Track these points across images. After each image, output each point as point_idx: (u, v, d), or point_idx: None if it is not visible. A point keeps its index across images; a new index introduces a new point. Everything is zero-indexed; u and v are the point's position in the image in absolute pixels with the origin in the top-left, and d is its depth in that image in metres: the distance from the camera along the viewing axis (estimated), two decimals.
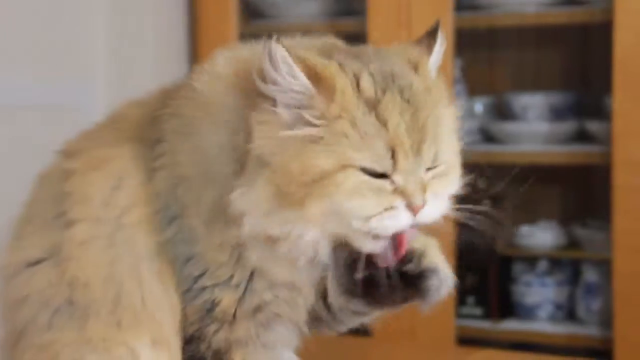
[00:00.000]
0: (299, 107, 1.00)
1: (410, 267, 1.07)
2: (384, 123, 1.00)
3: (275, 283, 1.08)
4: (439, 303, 1.10)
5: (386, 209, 1.00)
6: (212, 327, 1.09)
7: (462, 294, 2.63)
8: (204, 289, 1.08)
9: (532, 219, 2.70)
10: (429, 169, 1.03)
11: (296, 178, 0.99)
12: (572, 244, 2.65)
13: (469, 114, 2.73)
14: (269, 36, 0.99)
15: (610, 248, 2.36)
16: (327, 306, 1.12)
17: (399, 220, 1.01)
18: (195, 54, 2.72)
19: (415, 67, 1.06)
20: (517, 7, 2.57)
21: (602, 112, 2.49)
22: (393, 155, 1.00)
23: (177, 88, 1.13)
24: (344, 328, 1.17)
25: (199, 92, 1.09)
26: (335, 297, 1.10)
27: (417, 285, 1.07)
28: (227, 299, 1.07)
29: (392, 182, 1.01)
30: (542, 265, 2.67)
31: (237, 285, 1.07)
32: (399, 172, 1.00)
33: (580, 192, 2.80)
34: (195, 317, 1.09)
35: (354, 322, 1.16)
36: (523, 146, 2.61)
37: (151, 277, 1.08)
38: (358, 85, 1.01)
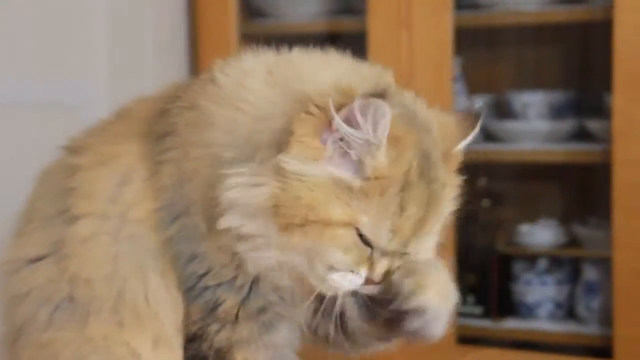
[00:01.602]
0: (355, 150, 1.00)
1: (393, 307, 1.03)
2: (402, 208, 1.01)
3: (279, 286, 1.08)
4: (436, 339, 1.06)
5: (352, 270, 1.02)
6: (215, 327, 1.09)
7: (462, 292, 2.61)
8: (207, 288, 1.07)
9: (532, 218, 2.70)
10: (404, 254, 1.04)
11: (302, 209, 0.99)
12: (572, 242, 2.65)
13: (469, 112, 2.72)
14: (381, 94, 0.98)
15: (611, 246, 2.36)
16: (343, 329, 1.10)
17: (352, 284, 1.03)
18: (195, 52, 2.71)
19: (445, 157, 1.07)
20: (518, 6, 2.57)
21: (602, 111, 2.49)
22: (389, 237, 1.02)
23: (191, 82, 1.13)
24: (352, 352, 1.15)
25: (218, 84, 1.08)
26: (353, 317, 1.09)
27: (401, 327, 1.05)
28: (230, 300, 1.07)
29: (371, 252, 1.02)
30: (542, 263, 2.67)
31: (241, 287, 1.07)
32: (381, 250, 1.02)
33: (580, 191, 2.80)
34: (197, 316, 1.09)
35: (377, 346, 1.14)
36: (523, 145, 2.61)
37: (155, 275, 1.07)
38: (412, 162, 1.02)
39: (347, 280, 1.02)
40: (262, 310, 1.09)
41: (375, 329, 1.10)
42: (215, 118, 1.06)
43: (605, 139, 2.40)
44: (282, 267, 1.04)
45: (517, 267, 2.70)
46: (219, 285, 1.07)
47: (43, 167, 1.17)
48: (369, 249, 1.02)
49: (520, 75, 2.86)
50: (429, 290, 1.02)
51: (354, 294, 1.06)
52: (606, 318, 2.45)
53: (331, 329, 1.09)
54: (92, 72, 2.46)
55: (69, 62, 2.39)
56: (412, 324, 1.03)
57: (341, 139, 1.00)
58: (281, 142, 1.01)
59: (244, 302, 1.07)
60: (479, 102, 2.55)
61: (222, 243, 1.05)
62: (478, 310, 2.66)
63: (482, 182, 2.72)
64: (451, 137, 1.09)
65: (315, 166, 1.00)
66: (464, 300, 2.63)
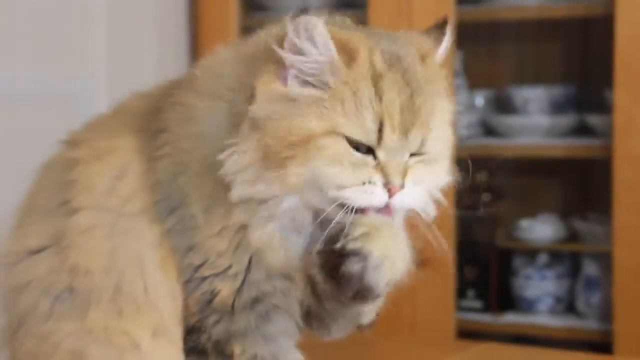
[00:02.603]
0: (313, 76, 1.01)
1: (336, 247, 1.01)
2: (379, 96, 1.01)
3: (271, 273, 1.08)
4: (372, 293, 1.02)
5: (363, 183, 1.01)
6: (212, 318, 1.10)
7: (462, 287, 2.63)
8: (204, 279, 1.08)
9: (532, 212, 2.70)
10: (414, 154, 1.04)
11: (283, 138, 1.00)
12: (572, 237, 2.65)
13: (470, 107, 2.73)
14: (302, 11, 1.00)
15: (610, 241, 2.36)
16: (317, 296, 1.12)
17: (374, 196, 1.01)
18: (196, 46, 2.71)
19: (423, 57, 1.07)
20: (518, 1, 2.57)
21: (602, 106, 2.49)
22: (380, 129, 1.01)
23: (179, 79, 1.15)
24: (338, 328, 1.15)
25: (199, 79, 1.10)
26: (320, 282, 1.08)
27: (338, 268, 1.02)
28: (225, 290, 1.08)
29: (375, 157, 1.01)
30: (542, 258, 2.67)
31: (235, 275, 1.08)
32: (382, 148, 1.01)
33: (580, 186, 2.80)
34: (196, 308, 1.10)
35: (345, 317, 1.14)
36: (523, 139, 2.61)
37: (153, 266, 1.08)
38: (371, 59, 1.02)
39: (362, 193, 1.01)
40: (256, 300, 1.09)
41: (332, 288, 1.07)
42: (200, 111, 1.08)
43: (606, 134, 2.40)
44: (300, 210, 1.04)
45: (517, 262, 2.70)
46: (215, 275, 1.08)
47: (43, 161, 1.17)
48: (369, 156, 1.01)
49: (521, 70, 2.86)
50: (375, 240, 1.01)
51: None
52: (606, 313, 2.46)
53: (312, 303, 1.10)
54: (92, 65, 2.46)
55: (68, 55, 2.39)
56: (352, 266, 1.00)
57: (300, 71, 1.01)
58: (251, 95, 1.03)
59: (238, 291, 1.08)
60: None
61: (225, 223, 1.05)
62: (478, 304, 2.66)
63: (483, 176, 2.72)
64: (425, 47, 1.08)
65: (280, 99, 1.02)
66: (463, 295, 2.65)
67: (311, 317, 1.15)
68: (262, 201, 1.04)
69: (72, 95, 2.36)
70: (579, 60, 2.80)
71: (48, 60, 2.32)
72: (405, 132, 1.02)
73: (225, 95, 1.07)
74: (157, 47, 2.64)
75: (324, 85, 1.01)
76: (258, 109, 1.02)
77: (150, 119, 1.12)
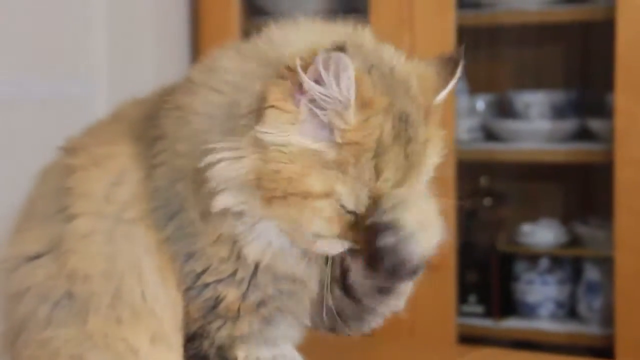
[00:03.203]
0: (324, 110, 0.99)
1: (371, 220, 1.01)
2: (378, 174, 1.01)
3: (278, 276, 1.08)
4: (411, 265, 1.01)
5: (338, 236, 1.03)
6: (216, 324, 1.09)
7: (463, 292, 2.63)
8: (207, 285, 1.07)
9: (533, 217, 2.70)
10: None
11: (282, 182, 1.00)
12: (574, 242, 2.65)
13: (471, 111, 2.73)
14: (339, 47, 0.97)
15: (612, 246, 2.36)
16: (350, 294, 1.11)
17: (337, 249, 1.04)
18: (196, 50, 2.72)
19: (426, 115, 1.06)
20: (520, 5, 2.57)
21: (604, 110, 2.49)
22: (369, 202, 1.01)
23: (175, 84, 1.14)
24: (372, 319, 1.14)
25: (194, 78, 1.09)
26: (356, 275, 1.09)
27: (376, 245, 1.01)
28: (231, 295, 1.07)
29: (356, 218, 1.02)
30: (544, 263, 2.67)
31: (241, 280, 1.07)
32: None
33: (582, 190, 2.80)
34: (198, 314, 1.09)
35: (381, 304, 1.13)
36: (525, 144, 2.61)
37: (151, 273, 1.08)
38: (382, 128, 1.01)
39: (334, 246, 1.04)
40: (261, 304, 1.08)
41: (370, 278, 1.08)
42: (194, 107, 1.06)
43: (607, 138, 2.40)
44: (272, 232, 1.04)
45: (519, 267, 2.70)
46: (219, 281, 1.07)
47: (43, 165, 1.17)
48: (352, 216, 1.02)
49: (522, 75, 2.86)
50: (408, 211, 1.00)
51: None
52: (607, 318, 2.45)
53: (337, 294, 1.10)
54: (93, 69, 2.46)
55: (68, 59, 2.39)
56: (386, 239, 0.99)
57: (312, 101, 0.99)
58: (258, 109, 1.01)
59: (244, 296, 1.07)
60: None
61: (220, 232, 1.05)
62: (479, 309, 2.66)
63: (484, 181, 2.72)
64: (431, 90, 1.08)
65: (291, 134, 1.00)
66: (465, 300, 2.64)
67: (346, 318, 1.14)
68: (242, 214, 1.03)
69: (72, 98, 2.36)
70: (579, 65, 2.80)
71: (48, 64, 2.32)
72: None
73: (222, 89, 1.05)
74: (158, 52, 2.64)
75: (331, 136, 1.00)
76: (267, 133, 1.00)
77: (147, 125, 1.11)
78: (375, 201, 1.01)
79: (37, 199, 1.15)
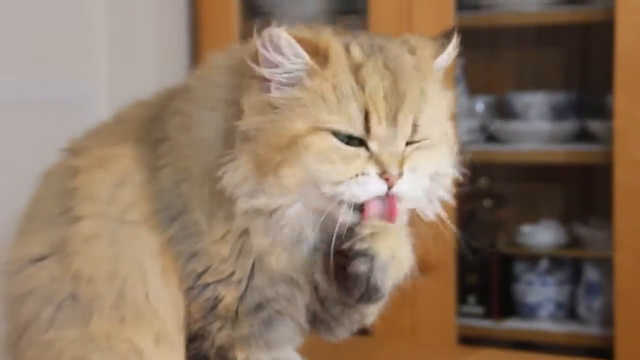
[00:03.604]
0: (292, 84, 1.01)
1: (344, 247, 1.02)
2: (361, 86, 1.00)
3: (275, 278, 1.08)
4: (379, 294, 1.02)
5: (356, 175, 1.00)
6: (216, 325, 1.10)
7: (463, 293, 2.63)
8: (207, 285, 1.08)
9: (533, 218, 2.70)
10: (410, 143, 1.03)
11: (271, 144, 1.00)
12: (574, 243, 2.65)
13: (470, 113, 2.73)
14: (266, 25, 1.00)
15: (612, 247, 2.36)
16: (321, 301, 1.12)
17: (369, 187, 1.00)
18: (196, 52, 2.72)
19: (412, 50, 1.06)
20: (519, 6, 2.57)
21: (603, 112, 2.49)
22: (366, 119, 1.00)
23: (175, 88, 1.15)
24: (343, 330, 1.16)
25: (192, 87, 1.11)
26: (324, 286, 1.09)
27: (346, 269, 1.02)
28: (229, 296, 1.08)
29: (367, 149, 1.01)
30: (544, 264, 2.67)
31: (239, 282, 1.08)
32: (373, 138, 1.00)
33: (581, 191, 2.80)
34: (199, 314, 1.10)
35: (350, 319, 1.14)
36: (524, 145, 2.61)
37: (154, 274, 1.08)
38: (348, 52, 1.02)
39: (356, 186, 1.00)
40: (260, 306, 1.09)
41: (338, 289, 1.08)
42: (198, 118, 1.08)
43: (607, 139, 2.40)
44: (306, 215, 1.03)
45: (519, 268, 2.70)
46: (218, 281, 1.08)
47: (45, 167, 1.18)
48: (361, 149, 1.01)
49: (521, 76, 2.86)
50: (382, 241, 1.01)
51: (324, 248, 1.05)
52: (607, 319, 2.45)
53: (316, 307, 1.11)
54: (93, 71, 2.46)
55: (69, 61, 2.39)
56: (360, 267, 1.01)
57: (280, 83, 1.01)
58: (240, 112, 1.04)
59: (242, 297, 1.08)
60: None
61: (228, 228, 1.05)
62: (479, 310, 2.66)
63: (484, 182, 2.72)
64: (426, 48, 1.08)
65: (266, 108, 1.02)
66: (465, 300, 2.64)
67: (316, 321, 1.15)
68: (266, 210, 1.03)
69: (73, 101, 2.36)
70: (579, 66, 2.80)
71: (49, 67, 2.32)
72: (392, 118, 1.01)
73: (219, 108, 1.08)
74: (158, 54, 2.64)
75: (304, 88, 1.01)
76: (246, 122, 1.02)
77: (150, 127, 1.13)
78: (368, 115, 1.00)
79: (41, 200, 1.15)
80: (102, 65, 2.48)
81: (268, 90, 1.02)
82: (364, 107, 1.00)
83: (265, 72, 1.01)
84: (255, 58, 1.02)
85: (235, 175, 1.02)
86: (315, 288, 1.11)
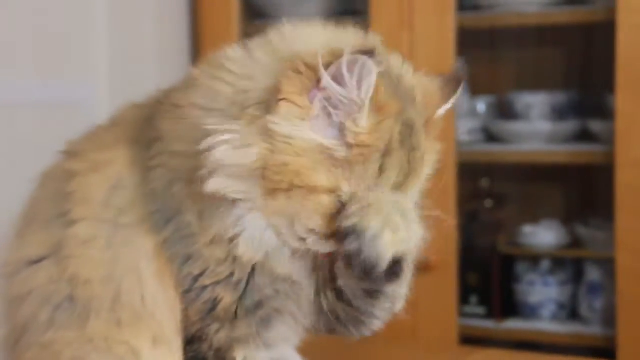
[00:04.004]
0: (337, 109, 1.00)
1: (336, 226, 1.01)
2: (382, 172, 1.02)
3: (275, 277, 1.08)
4: (376, 269, 0.99)
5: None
6: (214, 327, 1.09)
7: (464, 293, 2.63)
8: (204, 288, 1.08)
9: (534, 218, 2.70)
10: None
11: (289, 175, 0.99)
12: (575, 243, 2.65)
13: (471, 113, 2.73)
14: (367, 52, 0.97)
15: (613, 247, 2.36)
16: (341, 297, 1.11)
17: (326, 249, 1.04)
18: (197, 52, 2.72)
19: (427, 125, 1.07)
20: (520, 7, 2.57)
21: (604, 112, 2.49)
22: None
23: (174, 86, 1.14)
24: (370, 321, 1.14)
25: (196, 77, 1.08)
26: (343, 277, 1.08)
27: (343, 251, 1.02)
28: (228, 297, 1.08)
29: None
30: (545, 264, 2.67)
31: (239, 282, 1.07)
32: None
33: (583, 192, 2.80)
34: (197, 317, 1.09)
35: (374, 307, 1.12)
36: (525, 146, 2.61)
37: (150, 277, 1.08)
38: (392, 132, 1.02)
39: (323, 245, 1.03)
40: (259, 305, 1.09)
41: (355, 281, 1.07)
42: (192, 100, 1.05)
43: (608, 140, 2.40)
44: (264, 232, 1.04)
45: (520, 268, 2.70)
46: (216, 283, 1.07)
47: (43, 170, 1.18)
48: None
49: (522, 76, 2.86)
50: (373, 214, 0.99)
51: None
52: (609, 319, 2.45)
53: (330, 297, 1.10)
54: (94, 72, 2.46)
55: (69, 62, 2.39)
56: (350, 245, 0.99)
57: (328, 99, 0.99)
58: (269, 100, 1.00)
59: (242, 298, 1.08)
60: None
61: (213, 229, 1.05)
62: (481, 310, 2.66)
63: (485, 182, 2.72)
64: (434, 103, 1.10)
65: (302, 128, 1.00)
66: (466, 301, 2.65)
67: (342, 321, 1.14)
68: (236, 203, 1.02)
69: (73, 102, 2.36)
70: (580, 66, 2.80)
71: (49, 68, 2.32)
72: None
73: (226, 78, 1.04)
74: (159, 55, 2.65)
75: (342, 135, 1.00)
76: (279, 124, 0.99)
77: (145, 128, 1.12)
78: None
79: (38, 203, 1.15)
80: (103, 66, 2.48)
81: (312, 99, 1.00)
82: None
83: (329, 82, 0.98)
84: (327, 65, 0.98)
85: (233, 155, 1.00)
86: (335, 289, 1.10)
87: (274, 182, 1.00)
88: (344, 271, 1.07)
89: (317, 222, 1.02)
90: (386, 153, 1.02)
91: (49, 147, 1.18)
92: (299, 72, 1.00)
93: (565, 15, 2.54)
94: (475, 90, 2.75)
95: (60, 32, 2.35)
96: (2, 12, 2.20)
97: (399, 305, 1.13)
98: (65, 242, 1.10)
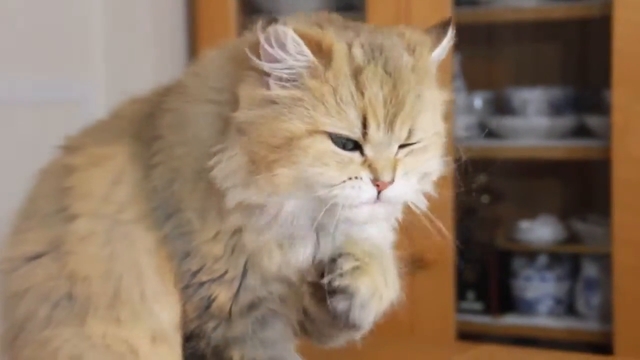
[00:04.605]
0: (292, 81, 1.00)
1: (323, 281, 1.03)
2: (361, 90, 1.00)
3: (267, 277, 1.08)
4: (360, 329, 1.04)
5: (350, 179, 0.99)
6: (211, 324, 1.10)
7: (462, 288, 2.63)
8: (201, 284, 1.08)
9: (531, 214, 2.70)
10: (403, 145, 1.02)
11: (267, 142, 1.00)
12: (572, 238, 2.65)
13: (468, 109, 2.73)
14: (271, 21, 0.99)
15: (610, 242, 2.36)
16: (311, 319, 1.12)
17: (362, 191, 1.00)
18: (194, 50, 2.71)
19: (410, 47, 1.05)
20: (516, 2, 2.57)
21: (601, 107, 2.49)
22: (364, 124, 0.99)
23: (170, 85, 1.14)
24: (332, 343, 1.16)
25: (185, 83, 1.10)
26: (313, 310, 1.09)
27: (329, 303, 1.03)
28: (222, 295, 1.08)
29: (362, 154, 1.00)
30: (542, 260, 2.67)
31: (232, 281, 1.08)
32: (369, 143, 1.00)
33: (579, 187, 2.80)
34: (194, 314, 1.10)
35: (333, 334, 1.13)
36: (522, 141, 2.61)
37: (150, 273, 1.08)
38: (350, 54, 1.01)
39: (349, 189, 1.00)
40: (253, 305, 1.09)
41: (324, 314, 1.08)
42: (190, 116, 1.07)
43: (605, 135, 2.40)
44: (301, 213, 1.03)
45: (517, 263, 2.70)
46: (212, 280, 1.08)
47: (41, 166, 1.17)
48: (356, 153, 1.00)
49: (519, 72, 2.86)
50: (363, 277, 1.01)
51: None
52: (606, 314, 2.46)
53: (306, 321, 1.11)
54: (91, 69, 2.46)
55: (67, 60, 2.39)
56: (339, 304, 1.01)
57: (279, 77, 1.00)
58: (236, 102, 1.02)
59: (235, 297, 1.08)
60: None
61: (219, 228, 1.05)
62: (478, 306, 2.66)
63: (482, 178, 2.72)
64: (422, 44, 1.07)
65: (262, 103, 1.01)
66: (463, 296, 2.65)
67: (309, 332, 1.15)
68: (257, 206, 1.03)
69: (70, 99, 2.36)
70: (577, 62, 2.80)
71: (47, 65, 2.32)
72: (390, 124, 1.00)
73: (212, 98, 1.06)
74: (155, 51, 2.64)
75: (304, 87, 1.00)
76: (242, 114, 1.01)
77: (145, 125, 1.12)
78: (366, 120, 0.99)
79: (37, 198, 1.15)
80: (100, 64, 2.48)
81: (266, 85, 1.01)
82: (362, 113, 0.99)
83: (265, 65, 1.00)
84: (256, 50, 1.00)
85: (227, 166, 1.02)
86: (305, 311, 1.11)
87: (263, 160, 1.00)
88: (314, 303, 1.08)
89: (321, 170, 0.99)
90: (355, 73, 1.00)
91: (48, 145, 1.18)
92: (249, 69, 1.02)
93: (562, 10, 2.54)
94: (472, 85, 2.74)
95: (57, 29, 2.35)
96: (0, 11, 2.19)
97: (359, 338, 1.14)
98: (64, 238, 1.09)
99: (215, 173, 1.02)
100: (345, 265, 1.01)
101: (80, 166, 1.12)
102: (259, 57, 1.00)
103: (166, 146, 1.08)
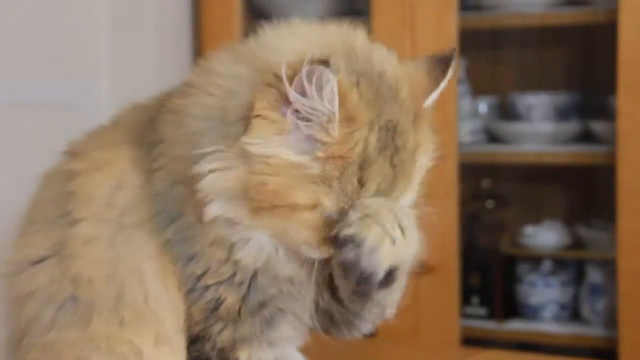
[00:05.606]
0: (308, 120, 0.99)
1: (331, 234, 1.02)
2: (362, 185, 1.01)
3: (278, 277, 1.08)
4: (372, 279, 1.00)
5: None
6: (217, 326, 1.09)
7: (466, 293, 2.63)
8: (207, 287, 1.08)
9: (536, 219, 2.70)
10: None
11: (269, 195, 1.00)
12: (577, 244, 2.65)
13: (473, 114, 2.73)
14: (323, 61, 0.97)
15: (615, 248, 2.36)
16: (336, 297, 1.11)
17: (323, 255, 1.03)
18: (199, 52, 2.72)
19: (415, 120, 1.05)
20: (522, 8, 2.57)
21: (606, 112, 2.49)
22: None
23: (174, 89, 1.14)
24: (365, 324, 1.15)
25: (190, 81, 1.09)
26: (340, 284, 1.08)
27: (339, 257, 1.01)
28: (231, 297, 1.08)
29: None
30: (547, 265, 2.67)
31: (241, 283, 1.07)
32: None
33: (584, 192, 2.80)
34: (200, 317, 1.09)
35: (364, 310, 1.12)
36: (527, 146, 2.61)
37: (153, 276, 1.08)
38: (367, 138, 1.01)
39: (319, 252, 1.03)
40: (262, 305, 1.09)
41: (347, 282, 1.06)
42: (189, 109, 1.06)
43: (610, 140, 2.40)
44: (263, 242, 1.05)
45: (522, 269, 2.70)
46: (219, 283, 1.07)
47: (45, 169, 1.18)
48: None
49: (524, 77, 2.86)
50: (372, 224, 0.99)
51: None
52: (611, 320, 2.45)
53: (326, 297, 1.11)
54: (95, 72, 2.46)
55: (71, 62, 2.39)
56: (348, 255, 0.99)
57: (297, 111, 0.99)
58: (246, 117, 1.00)
59: (245, 298, 1.08)
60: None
61: (215, 236, 1.05)
62: (482, 311, 2.66)
63: (487, 183, 2.72)
64: (421, 92, 1.07)
65: (277, 145, 0.99)
66: (468, 302, 2.64)
67: (336, 321, 1.14)
68: (233, 222, 1.04)
69: (75, 102, 2.36)
70: (582, 67, 2.80)
71: (51, 68, 2.32)
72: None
73: (214, 92, 1.05)
74: (160, 55, 2.65)
75: (315, 149, 0.99)
76: (254, 145, 0.99)
77: (147, 130, 1.12)
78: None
79: (41, 202, 1.15)
80: (104, 66, 2.48)
81: (284, 114, 0.99)
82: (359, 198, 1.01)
83: (292, 94, 0.98)
84: (291, 74, 0.98)
85: (220, 181, 1.01)
86: (330, 288, 1.10)
87: (256, 201, 1.00)
88: (337, 272, 1.06)
89: (306, 236, 1.02)
90: (364, 164, 1.00)
91: (50, 148, 1.18)
92: (270, 85, 1.00)
93: (567, 16, 2.54)
94: (477, 91, 2.75)
95: (62, 31, 2.35)
96: (3, 13, 2.19)
97: (390, 311, 1.13)
98: (68, 242, 1.09)
99: (204, 184, 1.01)
100: (354, 215, 1.00)
101: (82, 171, 1.12)
102: (291, 81, 0.98)
103: (167, 149, 1.08)
